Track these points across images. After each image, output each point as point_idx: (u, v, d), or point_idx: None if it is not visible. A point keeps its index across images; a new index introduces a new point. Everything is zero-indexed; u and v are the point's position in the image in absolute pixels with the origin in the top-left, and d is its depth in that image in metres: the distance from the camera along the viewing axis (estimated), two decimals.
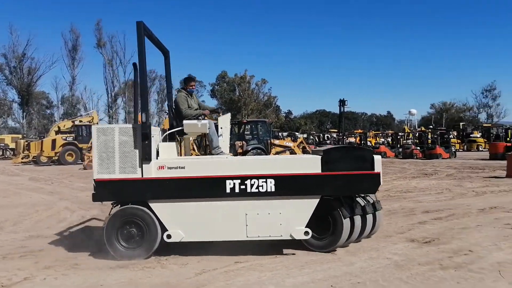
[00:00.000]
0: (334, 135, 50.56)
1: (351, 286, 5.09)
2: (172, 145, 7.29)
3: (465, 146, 44.31)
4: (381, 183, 6.30)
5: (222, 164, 6.46)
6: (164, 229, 6.41)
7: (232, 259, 6.24)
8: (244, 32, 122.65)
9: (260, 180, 6.26)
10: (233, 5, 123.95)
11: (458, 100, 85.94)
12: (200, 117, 7.49)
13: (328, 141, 46.76)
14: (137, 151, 6.42)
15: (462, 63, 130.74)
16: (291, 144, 26.75)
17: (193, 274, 5.71)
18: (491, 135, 37.38)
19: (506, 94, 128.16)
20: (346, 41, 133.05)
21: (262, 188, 6.27)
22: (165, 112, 42.43)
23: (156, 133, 7.01)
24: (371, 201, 6.84)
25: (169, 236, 6.37)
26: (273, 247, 6.62)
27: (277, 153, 24.25)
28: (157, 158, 6.75)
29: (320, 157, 6.34)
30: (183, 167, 6.38)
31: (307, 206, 6.33)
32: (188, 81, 7.87)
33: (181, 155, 7.90)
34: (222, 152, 7.40)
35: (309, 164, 6.34)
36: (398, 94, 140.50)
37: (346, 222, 6.39)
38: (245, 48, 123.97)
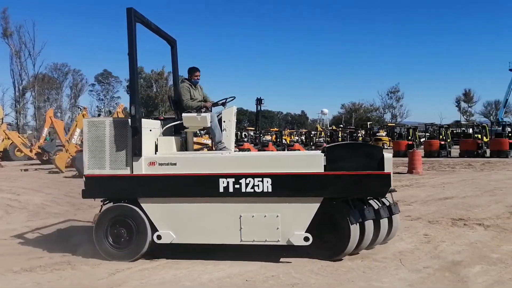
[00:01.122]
0: (252, 133, 50.96)
1: (265, 279, 5.24)
2: (171, 139, 6.85)
3: (372, 143, 46.74)
4: (392, 185, 5.66)
5: (215, 161, 6.00)
6: (154, 229, 6.04)
7: (148, 258, 6.11)
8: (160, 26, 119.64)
9: (256, 179, 5.74)
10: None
11: (366, 100, 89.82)
12: (202, 110, 7.00)
13: (245, 139, 47.06)
14: (127, 146, 6.07)
15: (370, 66, 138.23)
16: (209, 142, 26.71)
17: (106, 274, 5.46)
18: (395, 134, 39.67)
19: (409, 96, 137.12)
20: (262, 41, 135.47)
21: (258, 188, 5.74)
22: (78, 108, 40.46)
23: (155, 127, 6.67)
24: (387, 204, 6.15)
25: (159, 237, 6.00)
26: (189, 244, 6.31)
27: (195, 150, 23.96)
28: (155, 153, 6.41)
29: (323, 154, 5.75)
30: (174, 164, 5.98)
31: (308, 209, 5.74)
32: (192, 71, 7.35)
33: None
34: (225, 147, 6.86)
35: (311, 162, 5.75)
36: (311, 95, 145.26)
37: (355, 228, 5.75)
38: (162, 43, 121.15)
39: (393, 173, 7.03)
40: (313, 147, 38.11)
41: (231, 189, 5.79)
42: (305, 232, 5.75)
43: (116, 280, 5.28)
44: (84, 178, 6.18)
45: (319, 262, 5.83)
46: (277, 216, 5.78)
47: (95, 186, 6.13)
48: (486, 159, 26.48)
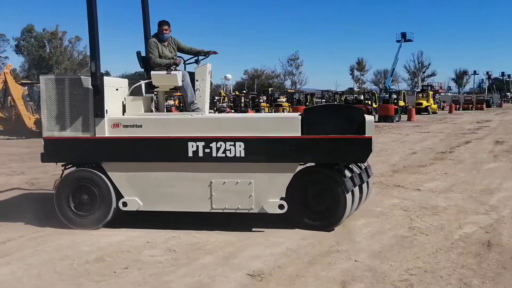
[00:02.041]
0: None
1: (166, 240, 5.29)
2: (139, 99, 6.27)
3: (273, 110, 47.96)
4: (373, 150, 5.26)
5: (184, 123, 5.55)
6: (119, 196, 5.64)
7: (43, 226, 5.83)
8: None
9: (228, 143, 5.32)
10: None
11: (268, 67, 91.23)
12: (172, 67, 6.36)
13: None
14: (88, 106, 5.57)
15: (272, 33, 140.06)
16: None
17: None
18: (294, 100, 41.06)
19: (307, 63, 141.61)
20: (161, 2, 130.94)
21: (230, 153, 5.33)
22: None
23: (123, 86, 6.18)
24: (363, 167, 5.96)
25: (124, 204, 5.62)
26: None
27: None
28: (123, 114, 5.95)
29: (300, 117, 5.32)
30: (140, 126, 5.53)
31: (283, 175, 5.36)
32: (159, 25, 6.62)
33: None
34: (198, 108, 6.31)
35: (286, 125, 5.33)
36: (214, 60, 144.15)
37: (349, 197, 5.41)
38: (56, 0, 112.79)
39: None
40: (216, 112, 38.29)
41: (200, 154, 5.41)
42: (280, 199, 5.41)
43: (8, 250, 5.03)
44: (42, 141, 5.74)
45: (222, 222, 5.84)
46: (250, 182, 5.40)
47: (55, 150, 5.70)
48: (374, 123, 28.32)
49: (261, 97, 48.54)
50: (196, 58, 6.62)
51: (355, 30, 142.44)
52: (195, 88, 6.44)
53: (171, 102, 44.76)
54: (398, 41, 56.61)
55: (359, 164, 5.92)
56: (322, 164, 5.52)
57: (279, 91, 59.89)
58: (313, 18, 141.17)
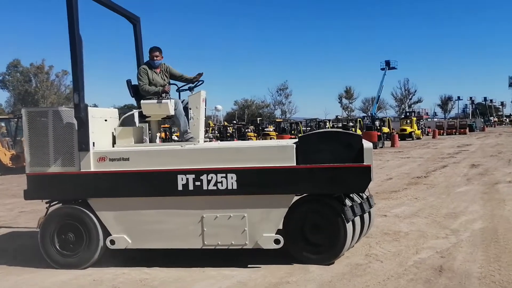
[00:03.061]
0: None
1: (114, 277, 5.12)
2: (129, 130, 6.03)
3: (260, 139, 48.17)
4: (372, 179, 5.04)
5: (172, 154, 5.29)
6: (107, 233, 5.38)
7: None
8: (41, 19, 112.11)
9: (219, 175, 5.07)
10: None
11: (257, 97, 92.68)
12: (163, 95, 6.14)
13: None
14: (73, 140, 5.35)
15: (260, 63, 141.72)
16: None
17: None
18: (286, 129, 41.24)
19: (297, 93, 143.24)
20: (153, 34, 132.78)
21: (222, 185, 5.08)
22: None
23: (113, 116, 5.99)
24: (365, 196, 5.67)
25: (112, 242, 5.34)
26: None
27: None
28: (113, 146, 5.76)
29: (294, 145, 5.08)
30: (127, 159, 5.28)
31: (278, 207, 5.11)
32: (150, 52, 6.42)
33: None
34: (192, 138, 6.08)
35: (281, 154, 5.07)
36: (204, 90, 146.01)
37: (350, 227, 5.16)
38: (43, 35, 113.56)
39: None
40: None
41: (191, 187, 5.14)
42: (276, 233, 5.16)
43: None
44: (26, 177, 5.50)
45: (173, 254, 5.71)
46: (244, 216, 5.15)
47: (39, 186, 5.43)
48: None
49: (248, 126, 48.82)
50: (189, 85, 6.47)
51: (343, 59, 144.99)
52: (189, 117, 6.22)
53: (158, 134, 44.68)
54: (382, 69, 57.45)
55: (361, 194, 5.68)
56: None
57: (268, 120, 60.05)
58: (301, 48, 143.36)
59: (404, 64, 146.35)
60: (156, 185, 5.23)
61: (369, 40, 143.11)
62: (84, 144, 5.32)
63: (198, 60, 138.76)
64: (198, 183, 5.14)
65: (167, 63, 6.56)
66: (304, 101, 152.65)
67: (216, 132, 43.28)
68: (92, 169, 5.34)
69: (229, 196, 5.13)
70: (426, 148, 27.65)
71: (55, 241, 5.47)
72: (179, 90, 6.57)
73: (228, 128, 44.11)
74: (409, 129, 42.08)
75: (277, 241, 5.15)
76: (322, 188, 5.08)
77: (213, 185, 5.12)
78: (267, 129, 48.46)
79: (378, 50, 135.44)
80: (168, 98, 6.13)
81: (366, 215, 5.68)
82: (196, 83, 6.46)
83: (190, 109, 6.25)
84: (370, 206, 5.70)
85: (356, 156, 4.96)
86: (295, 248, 5.28)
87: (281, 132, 37.60)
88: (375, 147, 28.89)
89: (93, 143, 5.44)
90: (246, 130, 46.53)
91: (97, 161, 5.35)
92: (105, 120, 5.81)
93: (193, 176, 5.15)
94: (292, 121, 41.97)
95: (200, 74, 6.44)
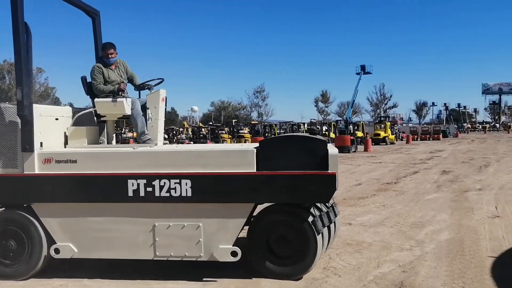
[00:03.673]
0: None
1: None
2: (82, 130, 5.65)
3: (235, 141, 47.93)
4: (337, 188, 4.69)
5: (123, 157, 4.89)
6: (52, 241, 4.95)
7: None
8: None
9: (173, 181, 4.68)
10: None
11: (234, 99, 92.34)
12: (119, 93, 5.75)
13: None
14: (17, 139, 4.92)
15: (237, 65, 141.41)
16: None
17: None
18: (260, 131, 40.99)
19: (273, 95, 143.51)
20: (132, 35, 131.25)
21: (175, 192, 4.68)
22: None
23: (66, 115, 5.57)
24: (329, 205, 5.34)
25: (57, 251, 4.92)
26: None
27: None
28: (65, 147, 5.36)
29: (255, 150, 4.71)
30: (74, 161, 4.87)
31: (236, 218, 4.75)
32: (104, 49, 6.03)
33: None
34: (150, 139, 5.73)
35: (240, 159, 4.70)
36: (181, 91, 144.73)
37: (321, 239, 4.82)
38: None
39: None
40: (176, 144, 37.87)
41: (142, 193, 4.74)
42: (234, 245, 4.78)
43: None
44: None
45: (119, 265, 5.29)
46: (198, 226, 4.77)
47: None
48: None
49: (223, 128, 48.48)
50: (148, 83, 6.13)
51: (320, 62, 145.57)
52: (147, 117, 5.86)
53: (130, 134, 44.03)
54: (357, 74, 57.67)
55: None
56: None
57: (244, 122, 59.88)
58: (278, 50, 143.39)
59: (379, 69, 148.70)
60: (105, 190, 4.83)
61: (346, 44, 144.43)
62: (28, 145, 4.89)
63: (173, 59, 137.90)
64: (149, 189, 4.75)
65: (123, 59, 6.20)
66: (281, 104, 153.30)
67: (190, 133, 42.86)
68: (37, 172, 4.92)
69: (183, 204, 4.76)
70: (399, 154, 27.64)
71: None
72: (138, 89, 6.20)
73: (202, 130, 43.68)
74: (383, 134, 42.24)
75: (234, 254, 4.77)
76: (283, 197, 4.71)
77: (166, 192, 4.73)
78: (241, 131, 48.29)
79: (355, 54, 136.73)
80: (124, 97, 5.75)
81: (331, 225, 5.38)
82: (156, 82, 6.09)
83: (148, 108, 5.88)
84: (335, 215, 5.40)
85: (320, 163, 4.61)
86: (260, 262, 4.89)
87: (255, 135, 37.26)
88: (347, 151, 28.81)
89: (41, 143, 5.04)
90: (220, 132, 46.19)
91: (42, 163, 4.94)
92: (56, 119, 5.41)
93: (145, 181, 4.75)
94: (266, 123, 41.82)
95: (161, 80, 6.10)
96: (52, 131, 5.32)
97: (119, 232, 4.89)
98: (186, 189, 4.69)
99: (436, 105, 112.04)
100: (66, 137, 5.54)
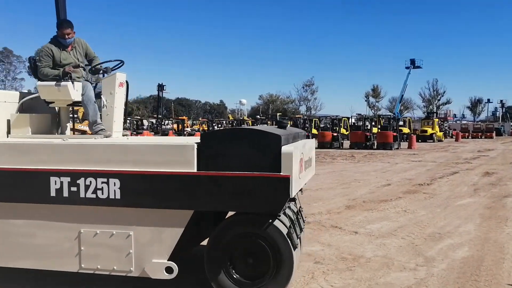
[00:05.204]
0: (153, 120, 49.67)
1: None
2: (26, 117, 5.06)
3: None
4: (292, 194, 3.74)
5: (47, 151, 4.15)
6: None
7: None
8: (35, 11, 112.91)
9: (99, 180, 3.93)
10: None
11: (283, 92, 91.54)
12: (65, 77, 5.09)
13: (145, 126, 45.40)
14: None
15: (287, 57, 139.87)
16: (87, 128, 24.81)
17: None
18: (299, 125, 39.91)
19: (323, 89, 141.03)
20: (182, 29, 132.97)
21: (102, 193, 3.93)
22: None
23: (9, 100, 5.06)
24: (296, 210, 4.55)
25: None
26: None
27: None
28: (7, 136, 4.88)
29: (195, 145, 3.87)
30: None
31: (172, 227, 3.94)
32: (59, 27, 5.31)
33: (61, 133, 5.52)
34: (103, 130, 5.08)
35: (177, 156, 3.87)
36: (230, 84, 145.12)
37: (297, 253, 4.04)
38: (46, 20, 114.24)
39: None
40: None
41: (65, 193, 4.01)
42: (169, 259, 3.96)
43: None
44: None
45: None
46: (129, 235, 3.99)
47: None
48: (372, 150, 27.16)
49: (268, 122, 48.17)
50: (105, 66, 5.39)
51: (371, 57, 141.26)
52: (102, 104, 5.18)
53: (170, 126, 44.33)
54: (407, 68, 55.36)
55: (291, 205, 4.44)
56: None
57: (291, 116, 58.78)
58: (328, 44, 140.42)
59: (431, 64, 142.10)
60: (25, 188, 4.08)
61: (397, 37, 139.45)
62: None
63: (221, 50, 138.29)
64: (74, 189, 3.97)
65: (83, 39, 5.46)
66: (330, 98, 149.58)
67: (233, 125, 42.46)
68: None
69: (111, 208, 3.95)
70: (444, 152, 25.96)
71: None
72: (91, 72, 5.45)
73: (245, 123, 43.15)
74: (430, 131, 40.17)
75: (169, 270, 3.93)
76: (226, 204, 3.81)
77: (92, 193, 3.95)
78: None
79: (405, 47, 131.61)
80: (70, 81, 5.01)
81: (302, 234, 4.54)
82: (114, 65, 5.32)
83: (102, 95, 5.16)
84: (304, 222, 4.61)
85: (271, 163, 3.70)
86: (220, 283, 3.99)
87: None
88: (390, 148, 27.40)
89: None
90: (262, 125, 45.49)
91: None
92: None
93: (69, 179, 3.98)
94: (306, 117, 40.78)
95: (120, 62, 5.33)
96: None
97: (41, 239, 4.16)
98: (115, 190, 3.90)
99: (492, 102, 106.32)
100: (8, 124, 4.95)
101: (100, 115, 5.21)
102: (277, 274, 3.87)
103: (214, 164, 3.79)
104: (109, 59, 5.44)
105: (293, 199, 4.55)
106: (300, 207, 4.81)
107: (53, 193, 4.01)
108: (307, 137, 5.02)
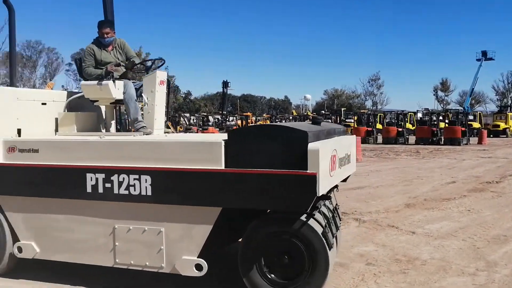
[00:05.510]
0: (219, 117, 50.67)
1: None
2: (71, 115, 5.27)
3: None
4: (320, 193, 3.59)
5: (84, 148, 4.28)
6: (16, 238, 4.54)
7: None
8: (139, 7, 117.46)
9: (132, 177, 3.98)
10: None
11: (348, 87, 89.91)
12: (108, 76, 5.26)
13: (210, 123, 46.38)
14: None
15: (352, 51, 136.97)
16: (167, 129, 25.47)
17: None
18: (363, 120, 39.08)
19: (389, 84, 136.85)
20: (246, 26, 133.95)
21: (135, 190, 3.98)
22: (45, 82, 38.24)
23: (56, 99, 5.30)
24: (332, 207, 4.46)
25: (19, 250, 4.47)
26: None
27: None
28: (55, 134, 5.16)
29: (223, 142, 3.82)
30: (36, 150, 4.39)
31: (201, 224, 3.91)
32: (99, 27, 5.50)
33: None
34: (144, 127, 5.16)
35: (205, 154, 3.85)
36: (294, 80, 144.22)
37: (332, 254, 3.92)
38: (142, 24, 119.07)
39: None
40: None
41: (100, 189, 4.11)
42: (199, 257, 3.94)
43: None
44: None
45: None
46: (160, 231, 4.02)
47: None
48: (439, 146, 25.97)
49: (331, 117, 47.75)
50: (146, 65, 5.57)
51: (440, 50, 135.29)
52: (144, 102, 5.31)
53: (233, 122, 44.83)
54: (478, 60, 52.31)
55: (326, 203, 4.30)
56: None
57: (356, 111, 57.80)
58: (394, 38, 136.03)
59: (505, 55, 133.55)
60: (64, 184, 4.23)
61: (467, 28, 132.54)
62: None
63: (286, 46, 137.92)
64: (108, 185, 4.06)
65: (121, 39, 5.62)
66: (397, 93, 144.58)
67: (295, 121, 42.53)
68: (1, 161, 4.47)
69: (143, 204, 4.00)
70: None
71: None
72: (133, 70, 5.59)
73: (308, 119, 42.87)
74: (502, 125, 37.81)
75: (199, 267, 3.92)
76: (253, 201, 3.72)
77: (125, 189, 4.01)
78: (348, 119, 46.73)
79: (476, 39, 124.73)
80: (112, 79, 5.16)
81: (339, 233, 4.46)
82: (153, 64, 5.49)
83: (143, 93, 5.29)
84: (340, 220, 4.52)
85: (297, 161, 3.58)
86: (254, 283, 3.91)
87: (358, 124, 35.43)
88: (458, 143, 26.09)
89: (18, 130, 4.68)
90: (326, 120, 45.01)
91: (7, 151, 4.47)
92: (43, 104, 5.01)
93: (103, 175, 4.07)
94: (370, 111, 39.81)
95: (160, 60, 5.48)
96: (36, 116, 4.94)
97: (79, 233, 4.29)
98: (146, 187, 3.93)
99: None
100: (56, 124, 5.17)
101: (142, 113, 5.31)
102: (312, 275, 3.75)
103: (241, 161, 3.73)
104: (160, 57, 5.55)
105: (329, 197, 4.42)
106: (336, 204, 4.67)
107: (89, 189, 4.12)
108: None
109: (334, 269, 4.74)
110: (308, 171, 3.53)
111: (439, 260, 5.09)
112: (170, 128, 29.15)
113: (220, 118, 46.58)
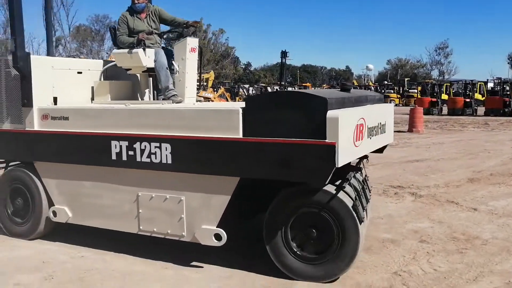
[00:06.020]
0: (277, 87, 50.49)
1: (65, 261, 4.32)
2: (105, 84, 5.31)
3: (404, 101, 44.77)
4: (339, 164, 3.36)
5: (109, 115, 4.31)
6: (51, 203, 4.72)
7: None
8: None
9: (153, 145, 3.98)
10: None
11: (413, 56, 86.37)
12: (139, 44, 5.17)
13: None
14: (17, 93, 4.73)
15: (417, 19, 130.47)
16: (211, 95, 25.51)
17: None
18: (427, 90, 37.40)
19: (458, 52, 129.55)
20: None
21: (156, 158, 3.97)
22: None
23: (93, 68, 5.36)
24: (361, 178, 4.28)
25: (54, 214, 4.65)
26: None
27: None
28: (91, 102, 5.24)
29: (241, 110, 3.67)
30: (66, 118, 4.47)
31: (220, 194, 3.84)
32: None
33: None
34: (175, 95, 5.10)
35: (223, 122, 3.74)
36: (356, 49, 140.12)
37: (362, 229, 3.71)
38: None
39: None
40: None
41: (124, 157, 4.14)
42: (218, 226, 3.89)
43: None
44: None
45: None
46: (181, 200, 4.00)
47: None
48: (511, 118, 24.30)
49: (393, 88, 46.15)
50: (177, 31, 5.42)
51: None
52: (175, 70, 5.24)
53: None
54: None
55: (356, 175, 4.09)
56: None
57: (421, 81, 55.66)
58: (465, 2, 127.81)
59: None
60: (92, 151, 4.32)
61: None
62: (26, 99, 4.59)
63: (345, 13, 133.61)
64: (131, 153, 4.10)
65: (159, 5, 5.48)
66: (467, 62, 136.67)
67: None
68: (36, 128, 4.61)
69: (164, 172, 4.00)
70: None
71: (8, 207, 4.95)
72: (165, 38, 5.55)
73: (368, 89, 41.62)
74: None
75: (218, 237, 3.88)
76: (270, 172, 3.58)
77: (147, 157, 4.02)
78: (412, 90, 44.94)
79: None
80: (143, 47, 5.09)
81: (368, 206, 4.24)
82: (186, 29, 5.34)
83: (173, 61, 5.23)
84: (370, 192, 4.34)
85: (316, 129, 3.39)
86: (280, 256, 3.79)
87: (421, 94, 33.88)
88: (504, 114, 24.40)
89: (54, 98, 4.77)
90: (387, 91, 43.59)
91: (41, 119, 4.60)
92: (79, 73, 5.08)
93: (126, 143, 4.11)
94: (435, 82, 37.87)
95: (196, 22, 5.39)
96: (71, 85, 4.99)
97: (106, 200, 4.39)
98: (166, 155, 3.93)
99: None
100: (93, 92, 5.22)
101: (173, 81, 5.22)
102: (342, 250, 3.60)
103: (259, 130, 3.60)
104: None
105: (359, 168, 4.21)
106: (366, 175, 4.46)
107: (114, 157, 4.17)
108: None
109: (384, 246, 4.52)
110: (327, 140, 3.33)
111: (503, 240, 4.66)
112: (227, 97, 29.01)
113: (279, 89, 46.26)
